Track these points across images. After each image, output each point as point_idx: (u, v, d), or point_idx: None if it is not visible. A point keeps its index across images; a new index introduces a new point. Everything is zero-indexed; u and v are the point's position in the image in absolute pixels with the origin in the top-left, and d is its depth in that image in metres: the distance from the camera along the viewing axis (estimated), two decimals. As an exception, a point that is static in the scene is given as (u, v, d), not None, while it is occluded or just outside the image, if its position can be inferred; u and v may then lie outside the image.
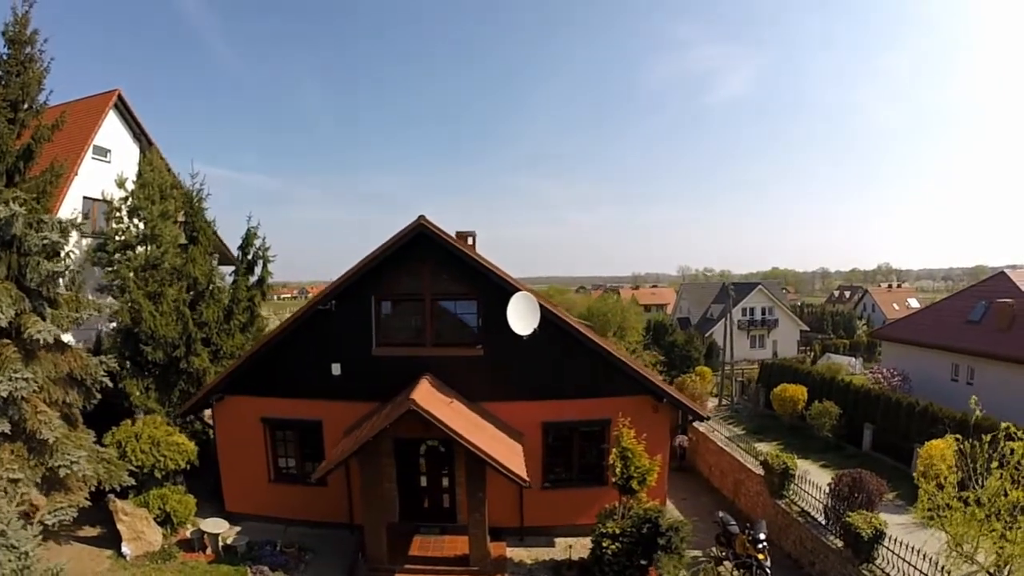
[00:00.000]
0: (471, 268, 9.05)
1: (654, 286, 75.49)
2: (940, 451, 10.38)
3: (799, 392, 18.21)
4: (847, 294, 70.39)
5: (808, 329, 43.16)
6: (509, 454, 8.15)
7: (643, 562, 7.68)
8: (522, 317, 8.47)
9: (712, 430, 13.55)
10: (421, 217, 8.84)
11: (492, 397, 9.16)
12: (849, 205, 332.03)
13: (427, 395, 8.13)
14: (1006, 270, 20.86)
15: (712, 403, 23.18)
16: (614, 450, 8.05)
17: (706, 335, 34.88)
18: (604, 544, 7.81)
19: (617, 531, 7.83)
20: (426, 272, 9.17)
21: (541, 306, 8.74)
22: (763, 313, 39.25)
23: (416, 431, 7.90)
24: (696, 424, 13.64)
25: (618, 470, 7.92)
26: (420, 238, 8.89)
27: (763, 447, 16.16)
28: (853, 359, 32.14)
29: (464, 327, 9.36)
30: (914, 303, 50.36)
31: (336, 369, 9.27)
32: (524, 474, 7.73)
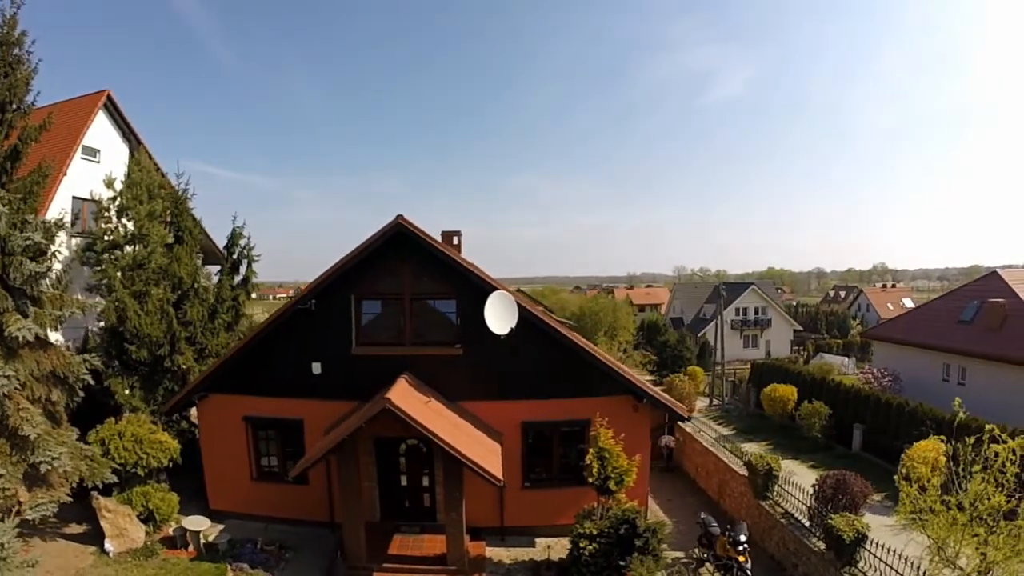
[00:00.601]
0: (450, 268, 8.86)
1: (649, 286, 74.92)
2: (922, 453, 10.01)
3: (789, 392, 17.86)
4: (842, 294, 69.56)
5: (801, 329, 42.59)
6: (485, 453, 7.92)
7: (621, 563, 7.42)
8: (499, 316, 8.24)
9: (698, 430, 13.26)
10: (399, 216, 8.65)
11: (471, 396, 8.96)
12: (846, 205, 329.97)
13: (403, 394, 7.92)
14: (999, 270, 20.35)
15: (703, 403, 22.81)
16: (591, 450, 7.82)
17: (699, 335, 34.46)
18: (581, 545, 7.58)
19: (594, 532, 7.60)
20: (406, 271, 8.97)
21: (520, 305, 8.52)
22: (756, 313, 38.69)
23: (395, 430, 7.70)
24: (683, 424, 13.33)
25: (595, 470, 7.67)
26: (399, 237, 8.69)
27: (753, 447, 15.82)
28: (846, 359, 31.60)
29: (443, 326, 9.17)
30: (908, 303, 49.61)
31: (316, 368, 9.10)
32: (499, 474, 7.50)
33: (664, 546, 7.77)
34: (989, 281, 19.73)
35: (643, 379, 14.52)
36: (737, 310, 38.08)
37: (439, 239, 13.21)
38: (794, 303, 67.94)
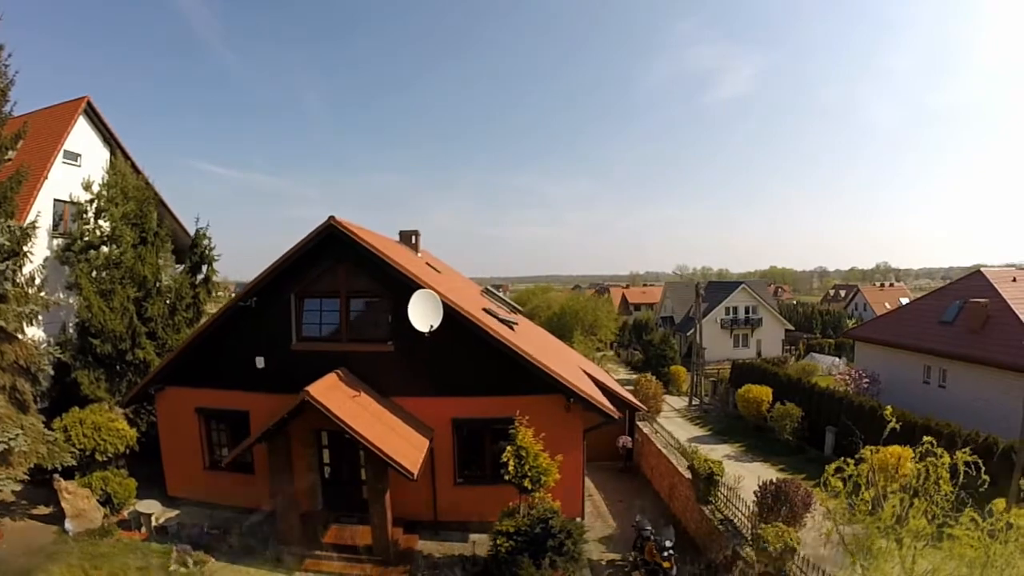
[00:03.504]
0: (381, 267, 8.52)
1: (646, 285, 72.99)
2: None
3: (763, 393, 16.82)
4: (842, 293, 66.07)
5: (793, 328, 40.38)
6: (407, 447, 7.53)
7: (537, 561, 6.84)
8: (422, 314, 7.85)
9: (655, 431, 12.44)
10: (331, 218, 8.40)
11: (404, 392, 8.69)
12: (849, 204, 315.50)
13: (328, 388, 7.63)
14: (983, 268, 18.55)
15: (683, 403, 21.77)
16: (509, 448, 7.26)
17: (688, 334, 33.04)
18: (499, 542, 7.11)
19: (511, 530, 7.09)
20: (342, 271, 8.77)
21: (447, 305, 8.13)
22: (746, 312, 36.88)
23: (325, 423, 7.33)
24: (641, 424, 12.56)
25: (512, 468, 7.11)
26: (330, 239, 8.34)
27: (726, 449, 14.95)
28: (837, 359, 29.81)
29: (377, 324, 8.87)
30: (905, 302, 46.47)
31: (260, 362, 8.88)
32: (415, 468, 7.16)
33: (577, 548, 7.16)
34: (973, 280, 18.15)
35: (617, 378, 13.76)
36: (727, 309, 36.47)
37: (417, 239, 12.88)
38: (794, 302, 64.90)
